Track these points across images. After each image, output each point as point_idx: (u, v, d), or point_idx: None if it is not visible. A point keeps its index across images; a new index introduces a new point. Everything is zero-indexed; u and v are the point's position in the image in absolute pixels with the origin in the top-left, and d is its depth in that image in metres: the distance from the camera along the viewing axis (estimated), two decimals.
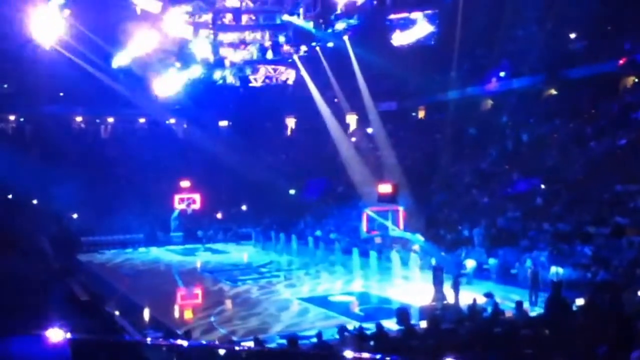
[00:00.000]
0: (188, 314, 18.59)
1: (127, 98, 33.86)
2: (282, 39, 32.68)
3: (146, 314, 17.06)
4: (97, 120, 39.12)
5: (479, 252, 21.84)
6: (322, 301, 18.42)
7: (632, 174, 22.04)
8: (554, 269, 17.16)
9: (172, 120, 38.70)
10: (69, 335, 9.93)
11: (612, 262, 17.30)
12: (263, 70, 32.85)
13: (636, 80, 26.69)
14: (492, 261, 20.76)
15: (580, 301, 13.31)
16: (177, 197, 33.72)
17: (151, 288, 21.76)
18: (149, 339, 11.79)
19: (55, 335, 9.85)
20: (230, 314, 17.54)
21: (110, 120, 38.90)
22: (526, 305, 14.78)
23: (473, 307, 13.76)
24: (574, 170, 24.54)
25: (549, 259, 18.71)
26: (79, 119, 38.60)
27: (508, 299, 15.85)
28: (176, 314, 18.57)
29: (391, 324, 13.54)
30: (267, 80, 32.92)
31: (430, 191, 28.93)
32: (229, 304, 18.78)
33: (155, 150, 33.39)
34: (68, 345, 9.83)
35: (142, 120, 38.35)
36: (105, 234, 30.93)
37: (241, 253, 29.78)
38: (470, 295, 15.00)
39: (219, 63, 31.79)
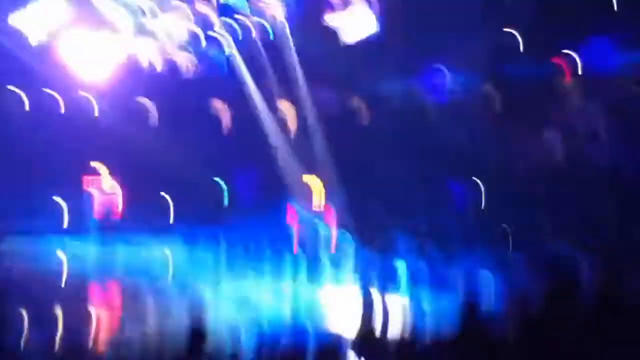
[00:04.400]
0: None
1: (37, 70, 31.22)
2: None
3: None
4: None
5: (411, 256, 21.16)
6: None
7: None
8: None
9: (88, 96, 36.03)
10: None
11: None
12: None
13: (573, 81, 26.33)
14: (422, 266, 20.20)
15: None
16: (87, 180, 31.31)
17: None
18: None
19: None
20: None
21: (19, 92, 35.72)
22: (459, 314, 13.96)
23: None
24: (517, 172, 24.21)
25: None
26: None
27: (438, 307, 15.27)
28: None
29: None
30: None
31: (363, 188, 27.93)
32: None
33: (65, 128, 30.92)
34: None
35: (53, 93, 35.36)
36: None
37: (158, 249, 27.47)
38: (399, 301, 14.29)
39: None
